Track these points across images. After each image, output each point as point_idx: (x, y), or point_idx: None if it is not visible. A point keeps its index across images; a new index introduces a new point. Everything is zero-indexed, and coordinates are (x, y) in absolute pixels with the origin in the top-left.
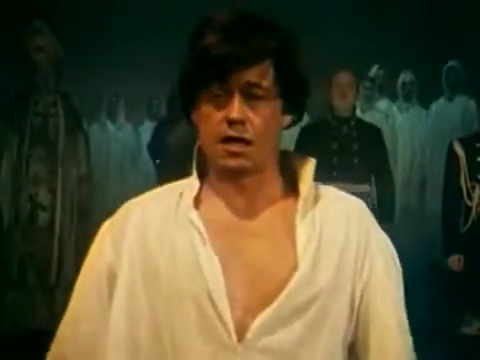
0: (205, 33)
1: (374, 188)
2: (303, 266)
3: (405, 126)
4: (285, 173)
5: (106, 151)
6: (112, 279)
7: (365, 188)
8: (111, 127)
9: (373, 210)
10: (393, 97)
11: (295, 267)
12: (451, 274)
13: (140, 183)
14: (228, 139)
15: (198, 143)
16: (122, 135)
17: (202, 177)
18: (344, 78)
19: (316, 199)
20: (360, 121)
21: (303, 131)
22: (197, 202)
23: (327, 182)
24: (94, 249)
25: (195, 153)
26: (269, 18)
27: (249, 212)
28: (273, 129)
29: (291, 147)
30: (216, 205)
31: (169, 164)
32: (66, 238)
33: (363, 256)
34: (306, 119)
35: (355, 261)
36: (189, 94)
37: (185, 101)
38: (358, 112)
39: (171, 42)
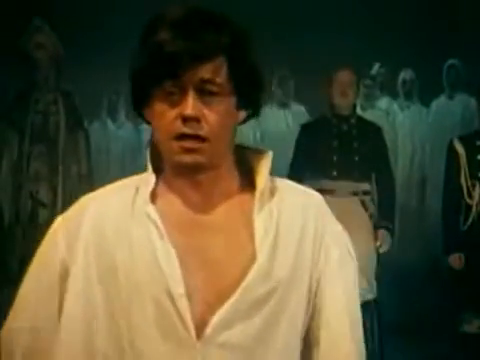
0: (157, 29)
1: (374, 186)
2: (261, 258)
3: (405, 124)
4: (241, 168)
5: (106, 149)
6: (64, 275)
7: (365, 186)
8: (111, 125)
9: (373, 208)
10: (394, 95)
11: (253, 260)
12: (451, 272)
13: None
14: (183, 136)
15: (152, 139)
16: (122, 133)
17: (157, 173)
18: (344, 76)
19: (272, 192)
20: (360, 119)
21: (303, 129)
22: (153, 197)
23: (327, 180)
24: (45, 244)
25: (149, 149)
26: (222, 14)
27: (206, 207)
28: (228, 125)
29: (292, 145)
30: (172, 200)
31: None
32: None
33: (319, 247)
34: (306, 117)
35: (312, 252)
36: (141, 91)
37: (137, 98)
38: (359, 110)
39: None
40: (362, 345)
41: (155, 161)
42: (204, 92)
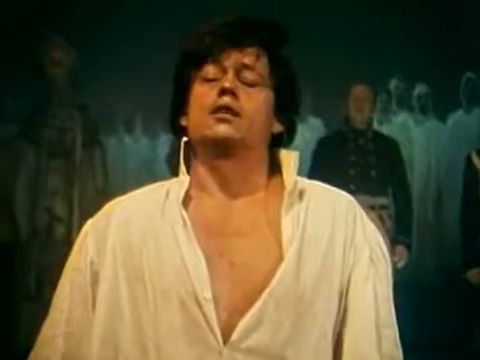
0: (201, 29)
1: (392, 201)
2: (287, 261)
3: (421, 138)
4: (269, 167)
5: (123, 164)
6: (95, 278)
7: (382, 200)
8: (128, 140)
9: (390, 223)
10: (409, 109)
11: (280, 263)
12: (470, 287)
13: None
14: (218, 109)
15: (183, 140)
16: (139, 148)
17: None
18: (360, 91)
19: (301, 193)
20: (377, 133)
21: (320, 143)
22: (183, 200)
23: None
24: (76, 248)
25: (182, 150)
26: (267, 19)
27: (234, 210)
28: (263, 116)
29: (308, 159)
30: (201, 203)
31: None
32: None
33: (349, 248)
34: (323, 131)
35: (343, 254)
36: (183, 83)
37: (178, 97)
38: (375, 124)
39: None
40: (392, 341)
41: (185, 163)
42: (244, 80)
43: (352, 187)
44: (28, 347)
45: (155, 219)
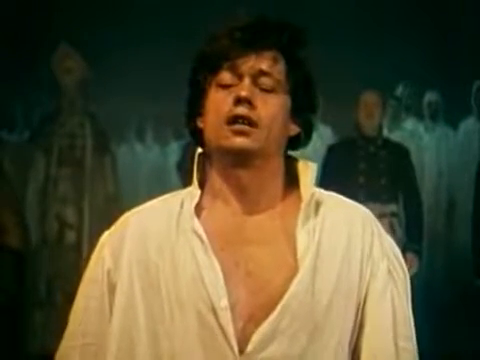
0: (218, 31)
1: (402, 208)
2: (302, 273)
3: (432, 146)
4: (286, 177)
5: (133, 171)
6: (111, 288)
7: (393, 208)
8: (139, 148)
9: (401, 231)
10: (419, 116)
11: (295, 274)
12: None
13: None
14: (235, 120)
15: (198, 151)
16: (150, 156)
17: (202, 186)
18: (370, 98)
19: (318, 204)
20: (387, 141)
21: (330, 150)
22: (198, 211)
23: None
24: (93, 260)
25: (196, 161)
26: (286, 21)
27: (250, 219)
28: (280, 122)
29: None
30: (217, 214)
31: None
32: None
33: (367, 261)
34: (333, 139)
35: (360, 268)
36: (199, 86)
37: (194, 100)
38: (385, 131)
39: None
40: (411, 355)
41: (199, 173)
42: (261, 86)
43: (362, 194)
44: (40, 354)
45: (170, 231)
